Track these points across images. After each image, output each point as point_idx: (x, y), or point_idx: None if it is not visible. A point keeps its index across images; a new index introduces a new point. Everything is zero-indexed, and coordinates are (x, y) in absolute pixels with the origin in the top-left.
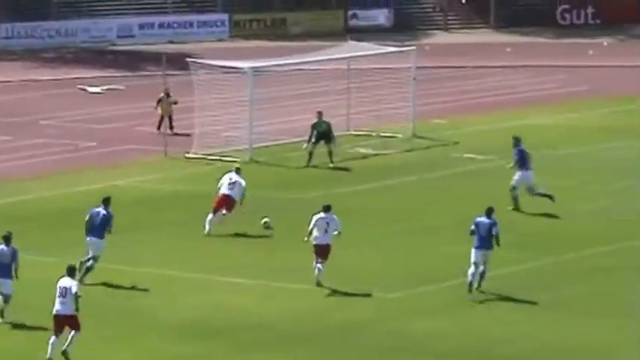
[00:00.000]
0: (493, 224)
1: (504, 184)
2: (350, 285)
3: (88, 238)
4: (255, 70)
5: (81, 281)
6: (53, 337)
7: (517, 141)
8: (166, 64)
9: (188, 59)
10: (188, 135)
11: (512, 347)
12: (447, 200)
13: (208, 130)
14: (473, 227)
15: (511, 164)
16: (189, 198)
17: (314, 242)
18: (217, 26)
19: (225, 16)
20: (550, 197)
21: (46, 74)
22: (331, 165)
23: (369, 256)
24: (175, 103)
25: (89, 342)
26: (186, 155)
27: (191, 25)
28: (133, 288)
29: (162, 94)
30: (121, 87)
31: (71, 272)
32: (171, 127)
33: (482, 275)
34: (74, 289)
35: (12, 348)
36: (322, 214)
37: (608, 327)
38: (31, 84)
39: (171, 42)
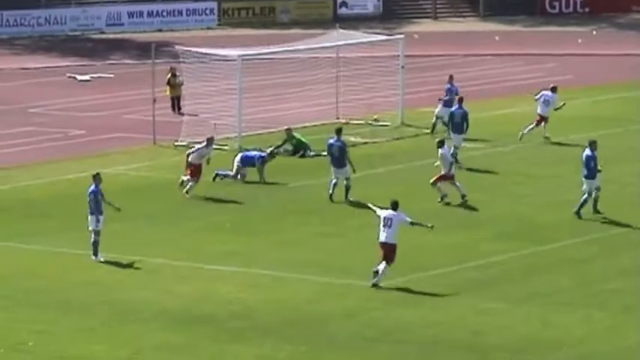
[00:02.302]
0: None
1: (493, 172)
2: (336, 274)
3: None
4: (244, 58)
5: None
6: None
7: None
8: (155, 52)
9: (177, 47)
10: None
11: (496, 337)
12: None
13: (198, 118)
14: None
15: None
16: (176, 185)
17: (379, 241)
18: (206, 14)
19: (213, 4)
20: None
21: (35, 62)
22: (311, 153)
23: (355, 244)
24: (181, 84)
25: (70, 331)
26: (175, 143)
27: (180, 13)
28: (118, 276)
29: (169, 75)
30: (109, 75)
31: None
32: (179, 108)
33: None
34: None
35: None
36: (390, 212)
37: (589, 317)
38: (20, 72)
39: (160, 30)
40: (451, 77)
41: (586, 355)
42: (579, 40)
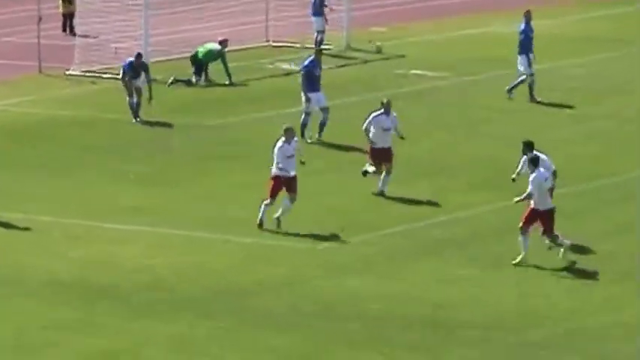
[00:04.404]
0: None
1: (460, 106)
2: (265, 234)
3: None
4: None
5: None
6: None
7: None
8: None
9: None
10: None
11: (463, 311)
12: None
13: (93, 42)
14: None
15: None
16: (68, 125)
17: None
18: None
19: None
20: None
21: None
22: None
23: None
24: None
25: None
26: (67, 72)
27: None
28: None
29: None
30: None
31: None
32: (71, 29)
33: None
34: None
35: None
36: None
37: (576, 286)
38: None
39: None
40: None
41: (573, 332)
42: None
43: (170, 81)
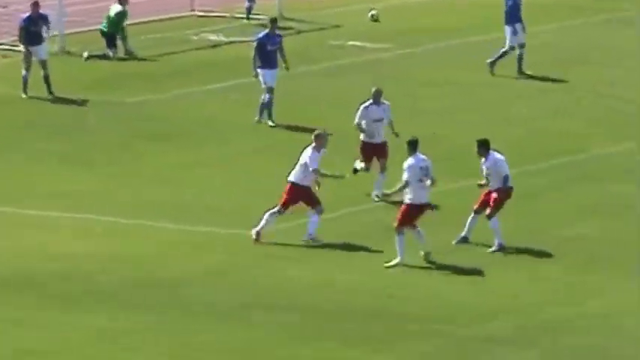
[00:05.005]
0: None
1: (402, 80)
2: (196, 219)
3: None
4: None
5: None
6: None
7: None
8: None
9: None
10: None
11: (408, 303)
12: (320, 102)
13: (3, 11)
14: None
15: None
16: None
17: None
18: None
19: None
20: None
21: None
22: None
23: (216, 181)
24: None
25: None
26: None
27: None
28: None
29: None
30: None
31: None
32: None
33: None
34: None
35: None
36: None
37: (535, 274)
38: None
39: None
40: None
41: (531, 325)
42: None
43: (85, 56)
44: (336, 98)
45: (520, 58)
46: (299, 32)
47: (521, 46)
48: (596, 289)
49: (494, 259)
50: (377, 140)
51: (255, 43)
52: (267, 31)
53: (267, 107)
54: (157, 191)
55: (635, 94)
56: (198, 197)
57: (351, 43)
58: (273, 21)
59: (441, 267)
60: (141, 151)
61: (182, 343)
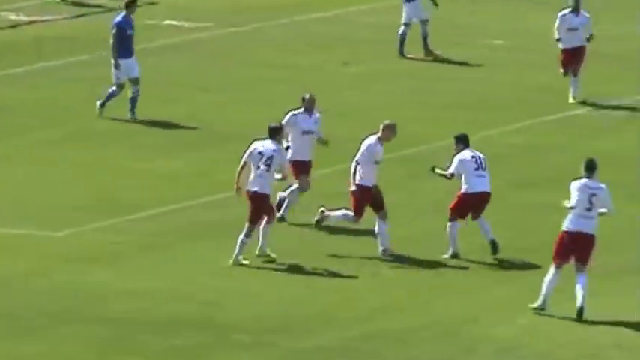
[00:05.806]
0: None
1: (225, 63)
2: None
3: None
4: None
5: None
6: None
7: None
8: None
9: None
10: None
11: (236, 312)
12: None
13: None
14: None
15: None
16: None
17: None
18: None
19: None
20: None
21: None
22: None
23: (31, 175)
24: None
25: None
26: None
27: None
28: None
29: None
30: None
31: None
32: None
33: None
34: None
35: None
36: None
37: (378, 274)
38: None
39: None
40: None
41: (371, 335)
42: None
43: None
44: (150, 82)
45: (423, 37)
46: (110, 10)
47: (424, 22)
48: (442, 294)
49: (332, 261)
50: (303, 158)
51: (114, 30)
52: (123, 12)
53: (132, 100)
54: None
55: None
56: (25, 197)
57: (167, 22)
58: (132, 3)
59: (273, 268)
60: None
61: None
